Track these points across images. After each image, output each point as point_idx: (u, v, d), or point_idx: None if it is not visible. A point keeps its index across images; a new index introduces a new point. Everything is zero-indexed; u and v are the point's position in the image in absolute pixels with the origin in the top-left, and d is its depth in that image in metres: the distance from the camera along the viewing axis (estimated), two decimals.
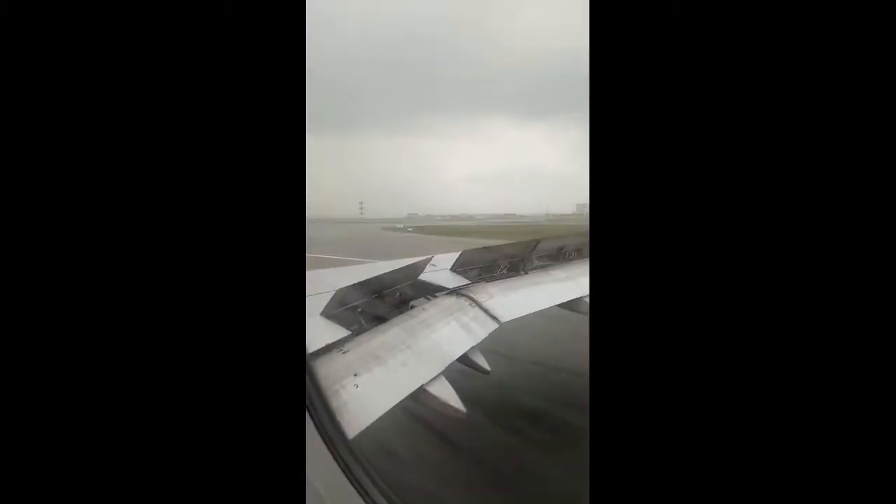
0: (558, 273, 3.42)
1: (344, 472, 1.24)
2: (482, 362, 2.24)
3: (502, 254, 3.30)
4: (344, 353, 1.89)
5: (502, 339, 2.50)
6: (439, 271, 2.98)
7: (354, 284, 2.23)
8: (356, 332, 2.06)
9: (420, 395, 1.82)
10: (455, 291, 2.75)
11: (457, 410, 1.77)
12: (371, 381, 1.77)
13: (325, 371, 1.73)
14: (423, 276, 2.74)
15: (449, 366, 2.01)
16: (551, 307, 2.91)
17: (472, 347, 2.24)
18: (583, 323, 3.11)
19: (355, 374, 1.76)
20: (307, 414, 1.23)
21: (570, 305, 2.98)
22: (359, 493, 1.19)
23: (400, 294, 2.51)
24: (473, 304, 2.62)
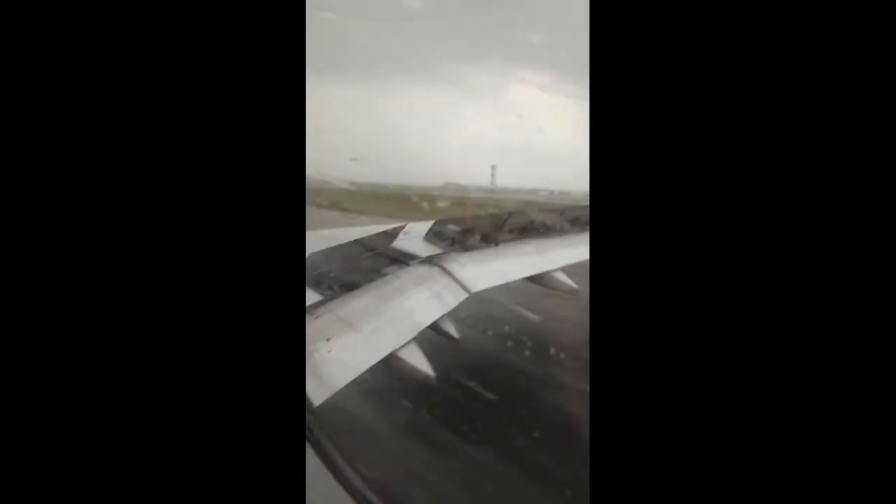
0: (527, 247, 3.51)
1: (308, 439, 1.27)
2: (452, 330, 2.31)
3: (475, 225, 3.33)
4: (316, 318, 1.90)
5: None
6: (413, 239, 2.98)
7: (327, 249, 2.20)
8: (329, 298, 2.06)
9: (391, 360, 1.87)
10: (428, 260, 2.77)
11: (426, 375, 1.85)
12: (343, 345, 1.80)
13: None
14: (397, 244, 2.74)
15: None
16: (519, 280, 3.01)
17: (443, 316, 2.30)
18: (546, 297, 3.24)
19: (327, 339, 1.78)
20: None
21: (537, 279, 3.09)
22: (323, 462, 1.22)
23: (373, 260, 2.51)
24: (445, 274, 2.67)
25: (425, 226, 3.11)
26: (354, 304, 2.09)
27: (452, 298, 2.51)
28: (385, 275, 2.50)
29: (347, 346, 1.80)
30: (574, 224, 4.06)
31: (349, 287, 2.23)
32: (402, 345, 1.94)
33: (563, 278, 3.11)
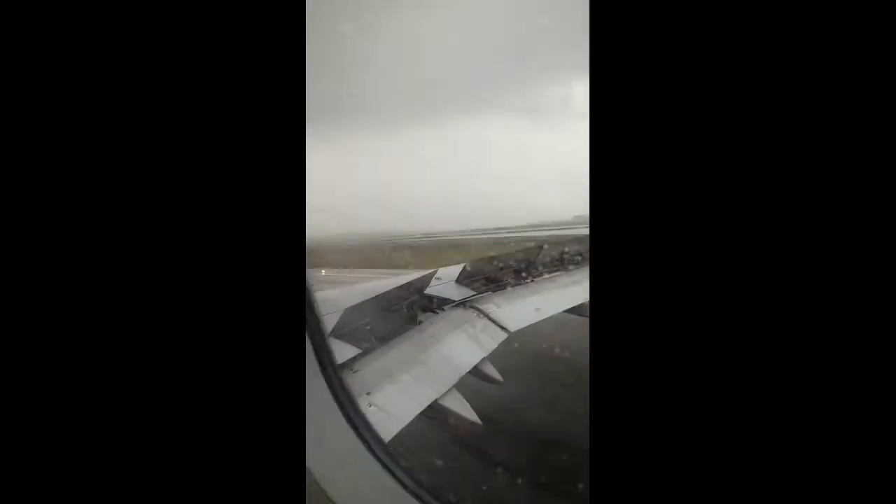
0: (563, 279, 3.43)
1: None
2: (493, 373, 2.23)
3: (507, 263, 3.31)
4: (355, 372, 1.89)
5: None
6: (444, 284, 2.98)
7: (362, 302, 2.24)
8: (366, 351, 2.06)
9: (434, 410, 1.82)
10: (462, 303, 2.75)
11: (473, 423, 1.77)
12: (384, 399, 1.77)
13: None
14: (429, 290, 2.75)
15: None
16: (559, 313, 2.91)
17: (483, 359, 2.24)
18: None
19: (368, 393, 1.76)
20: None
21: (577, 310, 2.98)
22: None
23: (407, 309, 2.52)
24: (481, 315, 2.62)
25: (456, 269, 3.11)
26: (392, 354, 2.08)
27: (491, 340, 2.45)
28: (420, 322, 2.50)
29: (389, 398, 1.77)
30: None
31: (386, 338, 2.23)
32: (443, 393, 1.89)
33: None
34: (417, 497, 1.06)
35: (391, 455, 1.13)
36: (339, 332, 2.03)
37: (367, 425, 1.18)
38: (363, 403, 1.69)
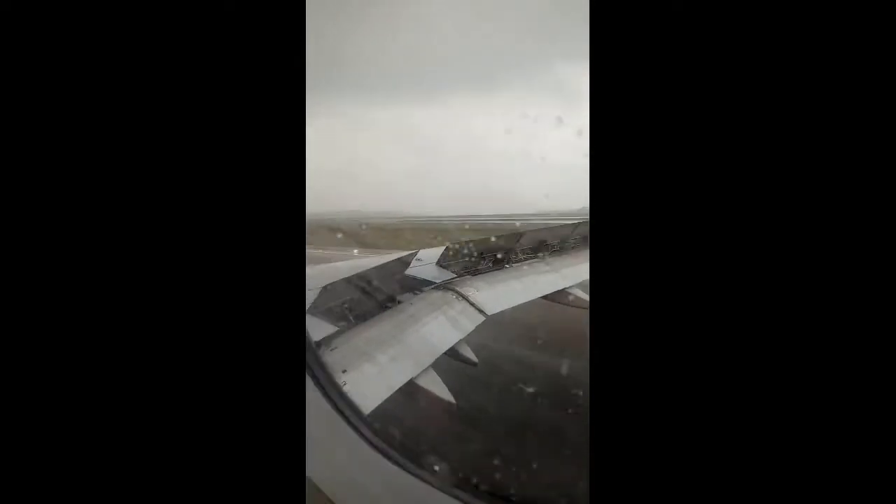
0: (541, 266, 3.48)
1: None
2: (470, 355, 2.27)
3: (487, 247, 3.33)
4: (332, 350, 1.89)
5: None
6: (425, 265, 2.98)
7: (341, 280, 2.22)
8: (344, 329, 2.05)
9: (409, 389, 1.84)
10: (441, 286, 2.76)
11: (448, 403, 1.80)
12: (360, 377, 1.78)
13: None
14: (409, 271, 2.75)
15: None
16: (536, 299, 2.96)
17: (460, 340, 2.27)
18: (564, 312, 3.17)
19: (344, 371, 1.76)
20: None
21: (553, 297, 3.04)
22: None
23: (387, 289, 2.51)
24: (460, 298, 2.64)
25: (437, 251, 3.11)
26: (370, 333, 2.08)
27: (469, 323, 2.47)
28: (399, 302, 2.50)
29: (364, 377, 1.78)
30: (587, 239, 4.02)
31: (364, 316, 2.23)
32: (419, 372, 1.91)
33: (581, 294, 3.05)
34: (394, 461, 1.07)
35: (370, 426, 1.14)
36: (316, 310, 2.01)
37: (344, 398, 1.18)
38: (338, 381, 1.69)
